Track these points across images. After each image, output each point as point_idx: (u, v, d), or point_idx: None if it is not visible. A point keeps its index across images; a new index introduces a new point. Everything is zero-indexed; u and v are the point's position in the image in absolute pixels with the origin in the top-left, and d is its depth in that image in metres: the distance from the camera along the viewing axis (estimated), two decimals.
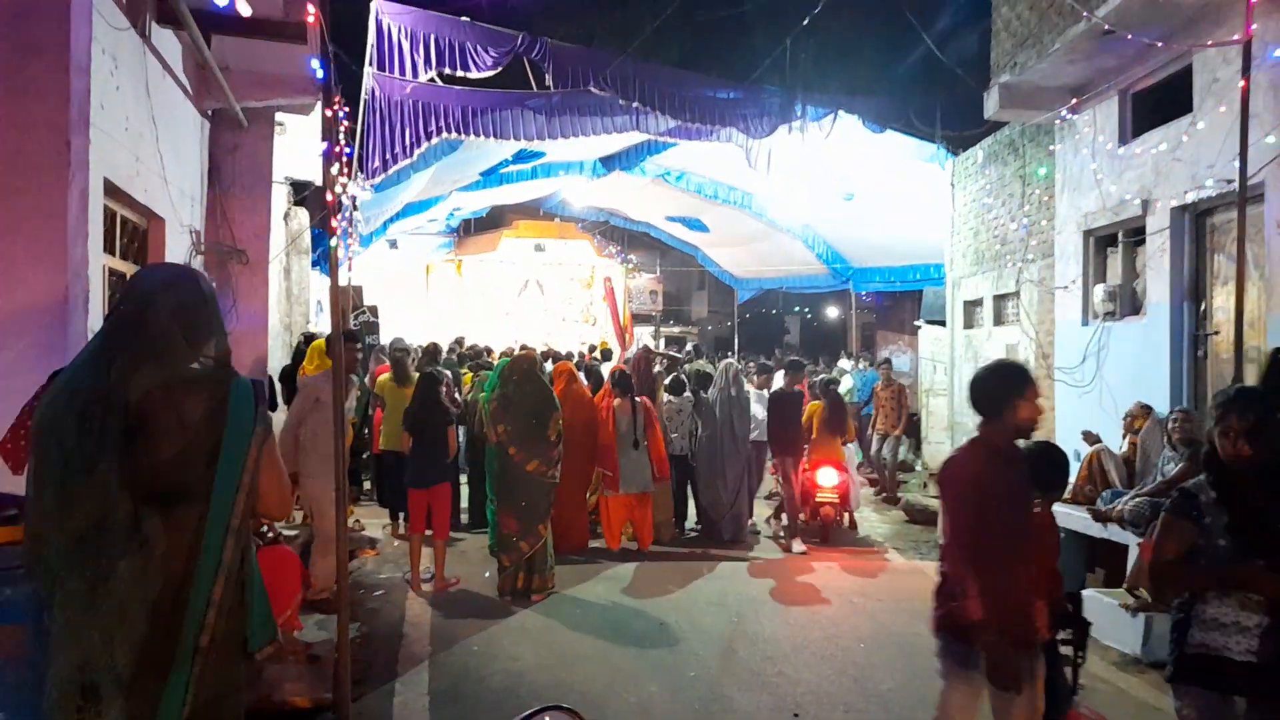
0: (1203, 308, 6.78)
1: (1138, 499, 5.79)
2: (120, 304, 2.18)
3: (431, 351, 9.91)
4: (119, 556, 1.97)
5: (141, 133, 5.31)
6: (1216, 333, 6.62)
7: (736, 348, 22.99)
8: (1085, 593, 5.75)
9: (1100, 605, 5.56)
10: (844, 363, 16.80)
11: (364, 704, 4.45)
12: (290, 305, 10.34)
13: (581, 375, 8.86)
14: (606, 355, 13.16)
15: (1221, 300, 6.56)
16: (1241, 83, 5.02)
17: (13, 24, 3.60)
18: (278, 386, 8.03)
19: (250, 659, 2.25)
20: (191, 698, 2.03)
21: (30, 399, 2.11)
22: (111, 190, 4.89)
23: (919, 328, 14.02)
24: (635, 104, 9.80)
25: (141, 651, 1.98)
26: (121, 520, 1.98)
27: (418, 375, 7.27)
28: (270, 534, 5.27)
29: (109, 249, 5.14)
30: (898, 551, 8.18)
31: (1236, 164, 5.12)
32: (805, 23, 8.99)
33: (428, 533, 6.58)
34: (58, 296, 3.58)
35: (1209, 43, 6.14)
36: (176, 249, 6.19)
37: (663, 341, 25.90)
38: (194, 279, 2.29)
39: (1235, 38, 5.35)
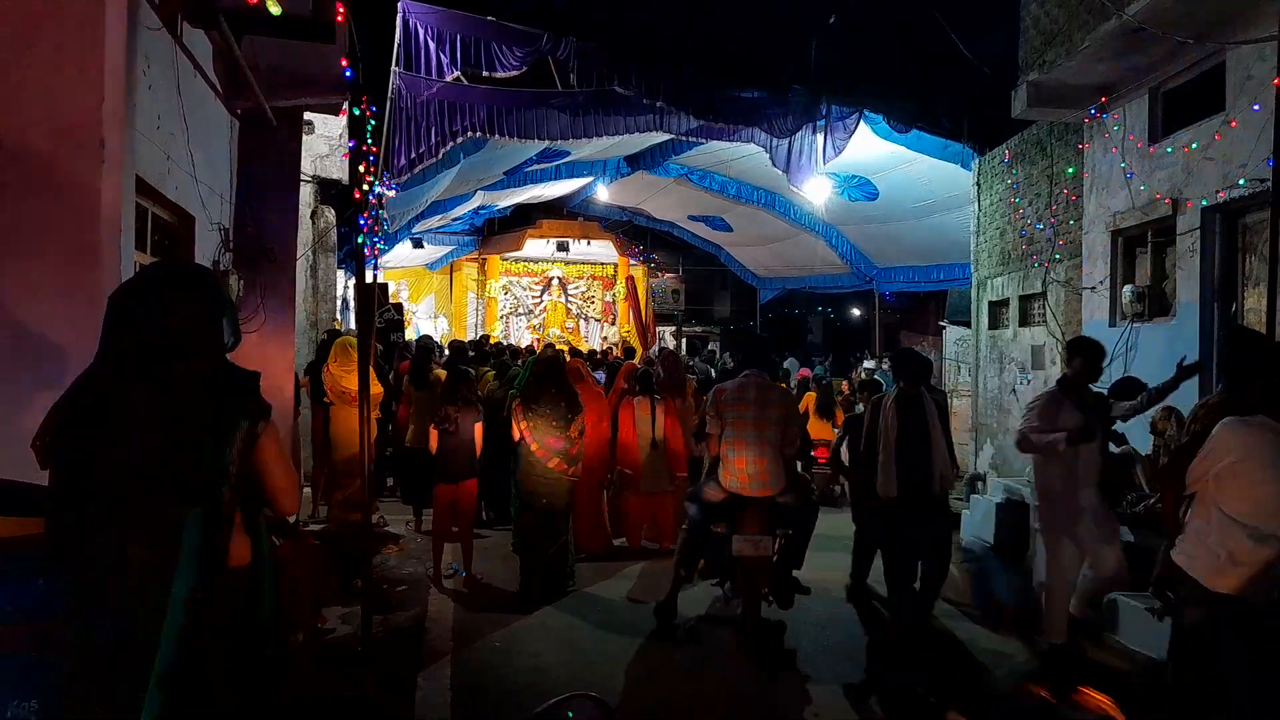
0: (1234, 309, 6.67)
1: None
2: (122, 304, 2.23)
3: (457, 348, 9.98)
4: (117, 545, 2.07)
5: (173, 132, 5.39)
6: None
7: None
8: (1111, 596, 5.69)
9: (1127, 609, 5.49)
10: (869, 363, 16.72)
11: (386, 698, 4.49)
12: (317, 302, 10.45)
13: (599, 374, 8.86)
14: (630, 354, 13.18)
15: (1253, 302, 6.46)
16: (1276, 80, 4.93)
17: (50, 25, 3.67)
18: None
19: (264, 643, 2.33)
20: (184, 683, 2.09)
21: (60, 397, 2.21)
22: (143, 188, 4.97)
23: (943, 328, 13.93)
24: (659, 103, 9.80)
25: (141, 632, 2.06)
26: (117, 512, 2.07)
27: (446, 373, 7.30)
28: (294, 522, 5.34)
29: (140, 246, 5.22)
30: None
31: (1269, 163, 5.04)
32: (831, 21, 8.95)
33: (453, 529, 6.62)
34: (93, 293, 3.64)
35: (1243, 40, 6.05)
36: (206, 246, 6.28)
37: (684, 342, 25.90)
38: (200, 280, 2.31)
39: (1270, 34, 5.26)
